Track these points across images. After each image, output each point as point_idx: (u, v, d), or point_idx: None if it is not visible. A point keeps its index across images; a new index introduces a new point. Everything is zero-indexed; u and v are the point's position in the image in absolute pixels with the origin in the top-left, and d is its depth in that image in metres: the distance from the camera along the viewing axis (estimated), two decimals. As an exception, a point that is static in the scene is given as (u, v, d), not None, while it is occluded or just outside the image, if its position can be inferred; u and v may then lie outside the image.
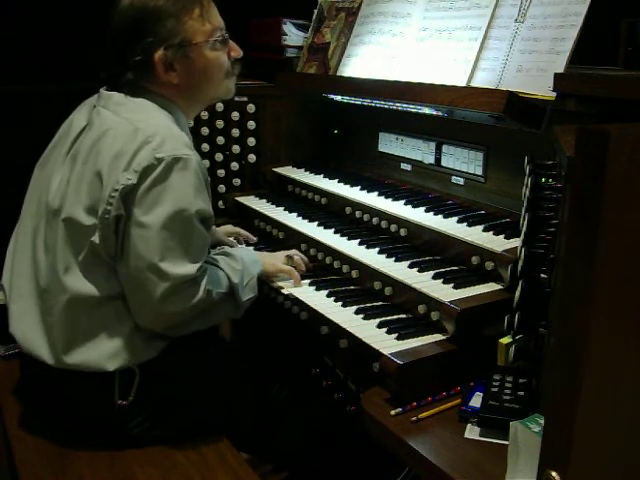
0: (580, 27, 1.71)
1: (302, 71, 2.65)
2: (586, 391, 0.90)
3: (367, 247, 2.03)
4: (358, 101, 2.36)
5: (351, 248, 2.04)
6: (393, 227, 2.07)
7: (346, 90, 2.38)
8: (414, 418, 1.45)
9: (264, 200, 2.59)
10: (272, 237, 2.41)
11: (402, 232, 2.05)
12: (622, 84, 1.51)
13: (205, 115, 2.65)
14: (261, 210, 2.48)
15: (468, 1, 2.04)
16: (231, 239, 2.29)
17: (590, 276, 0.87)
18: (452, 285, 1.72)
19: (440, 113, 2.05)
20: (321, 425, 1.98)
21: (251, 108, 2.69)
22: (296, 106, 2.77)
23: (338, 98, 2.46)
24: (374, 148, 2.55)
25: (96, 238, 1.64)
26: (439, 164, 2.26)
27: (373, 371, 1.61)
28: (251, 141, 2.72)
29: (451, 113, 2.01)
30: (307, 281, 2.02)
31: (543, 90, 1.73)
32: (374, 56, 2.33)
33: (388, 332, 1.68)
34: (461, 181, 2.19)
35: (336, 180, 2.45)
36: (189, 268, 1.66)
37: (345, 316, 1.81)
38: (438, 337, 1.64)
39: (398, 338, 1.64)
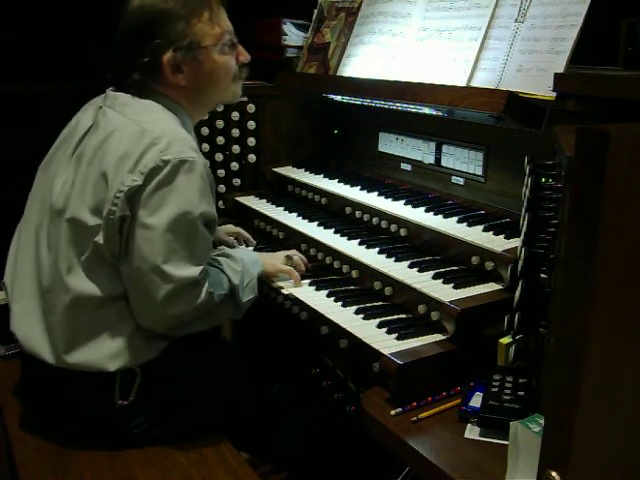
0: (580, 27, 1.71)
1: (302, 71, 2.65)
2: (586, 391, 0.90)
3: (367, 247, 2.03)
4: (358, 101, 2.36)
5: (351, 248, 2.04)
6: (393, 227, 2.07)
7: (346, 90, 2.38)
8: (414, 418, 1.45)
9: (264, 200, 2.59)
10: (272, 237, 2.40)
11: (402, 232, 2.05)
12: (622, 84, 1.51)
13: (205, 115, 2.65)
14: (261, 210, 2.48)
15: (468, 1, 2.04)
16: (231, 239, 2.29)
17: (590, 276, 0.87)
18: (452, 285, 1.72)
19: (440, 113, 2.05)
20: (321, 425, 1.98)
21: (251, 108, 2.69)
22: (296, 106, 2.77)
23: (338, 98, 2.46)
24: (374, 148, 2.55)
25: (100, 238, 1.64)
26: (439, 164, 2.26)
27: (373, 371, 1.61)
28: (251, 141, 2.72)
29: (451, 113, 2.01)
30: (307, 281, 2.02)
31: (543, 90, 1.73)
32: (374, 56, 2.33)
33: (388, 332, 1.68)
34: (461, 181, 2.19)
35: (336, 180, 2.45)
36: (192, 271, 1.66)
37: (345, 316, 1.81)
38: (438, 337, 1.64)
39: (398, 338, 1.64)
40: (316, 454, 1.95)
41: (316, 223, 2.27)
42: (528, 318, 1.45)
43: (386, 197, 2.21)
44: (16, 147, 3.30)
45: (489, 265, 1.74)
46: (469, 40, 1.99)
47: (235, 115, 2.69)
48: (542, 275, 1.44)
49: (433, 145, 2.27)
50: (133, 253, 1.64)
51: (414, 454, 1.37)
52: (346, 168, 2.63)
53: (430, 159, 2.29)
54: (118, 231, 1.64)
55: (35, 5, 3.41)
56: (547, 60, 1.76)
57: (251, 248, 2.27)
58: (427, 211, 2.05)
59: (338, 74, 2.45)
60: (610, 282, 0.89)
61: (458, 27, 2.04)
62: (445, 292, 1.70)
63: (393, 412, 1.48)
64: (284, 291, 1.99)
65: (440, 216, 2.00)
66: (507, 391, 1.45)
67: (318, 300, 1.91)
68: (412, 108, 2.11)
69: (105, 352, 1.69)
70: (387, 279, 1.87)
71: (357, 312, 1.81)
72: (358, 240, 2.07)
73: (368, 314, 1.78)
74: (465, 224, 1.92)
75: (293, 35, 2.80)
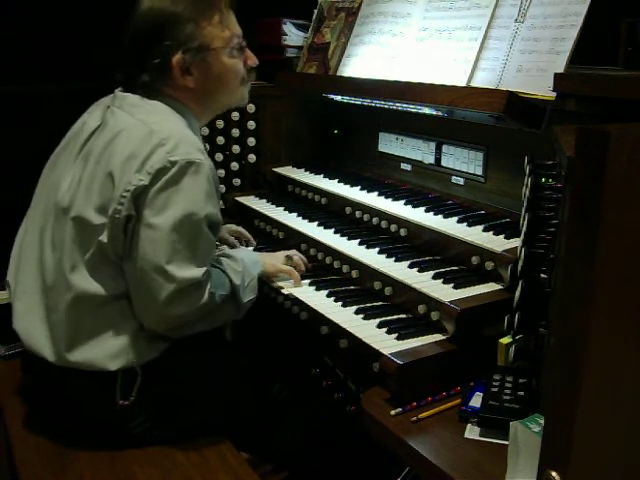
0: (580, 27, 1.71)
1: (302, 71, 2.65)
2: (586, 391, 0.90)
3: (367, 247, 2.03)
4: (358, 101, 2.36)
5: (351, 248, 2.04)
6: (393, 227, 2.07)
7: (346, 90, 2.38)
8: (414, 418, 1.45)
9: (264, 200, 2.59)
10: (272, 237, 2.40)
11: (402, 232, 2.05)
12: (622, 84, 1.51)
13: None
14: (261, 210, 2.48)
15: (468, 1, 2.04)
16: (232, 238, 2.29)
17: (590, 276, 0.87)
18: (452, 285, 1.72)
19: (440, 113, 2.05)
20: (321, 425, 1.98)
21: (251, 108, 2.69)
22: (296, 106, 2.77)
23: (338, 98, 2.46)
24: (374, 148, 2.55)
25: (104, 237, 1.64)
26: (439, 164, 2.26)
27: (373, 371, 1.61)
28: (251, 141, 2.72)
29: (451, 113, 2.01)
30: (307, 281, 2.02)
31: (543, 90, 1.73)
32: (374, 56, 2.33)
33: (388, 332, 1.68)
34: (461, 181, 2.19)
35: (336, 180, 2.45)
36: (195, 272, 1.66)
37: (345, 316, 1.81)
38: (438, 337, 1.64)
39: (398, 338, 1.64)
40: (316, 454, 1.95)
41: (316, 223, 2.27)
42: (528, 318, 1.45)
43: (386, 197, 2.21)
44: (16, 147, 3.30)
45: (489, 265, 1.74)
46: (469, 40, 1.99)
47: (235, 115, 2.69)
48: (542, 275, 1.44)
49: (433, 145, 2.27)
50: (137, 253, 1.64)
51: (414, 454, 1.37)
52: (346, 168, 2.63)
53: (430, 159, 2.29)
54: (123, 230, 1.64)
55: (35, 5, 3.41)
56: (547, 60, 1.76)
57: (251, 248, 2.27)
58: (427, 211, 2.05)
59: (338, 74, 2.45)
60: (610, 282, 0.89)
61: (458, 27, 2.04)
62: (445, 292, 1.69)
63: (393, 412, 1.48)
64: (284, 291, 1.99)
65: (440, 216, 2.00)
66: (507, 391, 1.45)
67: (318, 300, 1.91)
68: (412, 108, 2.11)
69: (106, 351, 1.69)
70: (387, 279, 1.87)
71: (357, 312, 1.81)
72: (358, 240, 2.07)
73: (368, 314, 1.78)
74: (465, 224, 1.92)
75: (293, 35, 2.80)
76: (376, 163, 2.55)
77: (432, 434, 1.42)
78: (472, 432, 1.41)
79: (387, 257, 1.94)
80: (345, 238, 2.12)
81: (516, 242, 1.64)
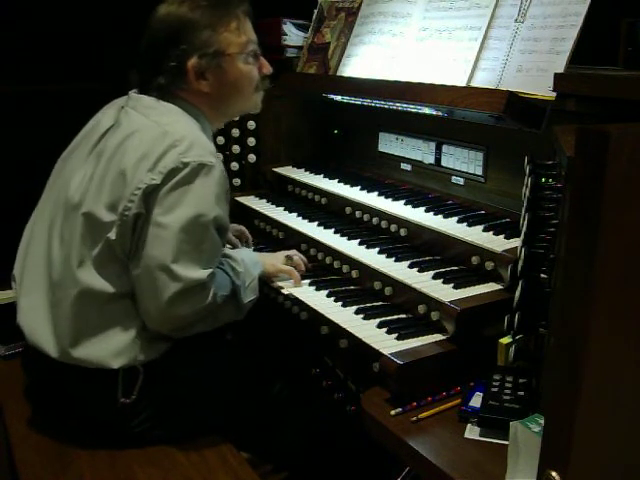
0: (580, 27, 1.71)
1: (302, 71, 2.65)
2: (586, 391, 0.90)
3: (367, 247, 2.03)
4: (358, 101, 2.36)
5: (351, 248, 2.04)
6: (393, 227, 2.07)
7: (346, 90, 2.38)
8: (414, 418, 1.45)
9: (264, 200, 2.59)
10: (272, 237, 2.41)
11: (402, 232, 2.05)
12: (622, 84, 1.51)
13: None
14: (261, 210, 2.48)
15: (468, 1, 2.04)
16: (235, 238, 2.29)
17: (590, 276, 0.87)
18: (452, 285, 1.72)
19: (440, 113, 2.05)
20: (321, 425, 1.98)
21: (251, 108, 2.69)
22: (296, 106, 2.77)
23: (338, 98, 2.46)
24: (374, 148, 2.55)
25: (112, 234, 1.66)
26: (439, 164, 2.26)
27: (373, 371, 1.61)
28: (251, 141, 2.72)
29: (451, 113, 2.01)
30: (307, 281, 2.02)
31: (543, 90, 1.73)
32: (374, 56, 2.33)
33: (388, 332, 1.68)
34: (461, 181, 2.19)
35: (336, 180, 2.45)
36: (201, 273, 1.67)
37: (345, 316, 1.81)
38: (438, 337, 1.64)
39: (398, 338, 1.64)
40: (316, 454, 1.95)
41: (316, 223, 2.27)
42: (528, 318, 1.45)
43: (386, 197, 2.21)
44: (16, 147, 3.30)
45: (489, 265, 1.74)
46: (469, 40, 1.99)
47: (235, 115, 2.69)
48: (542, 275, 1.44)
49: (433, 145, 2.27)
50: (144, 250, 1.65)
51: (414, 454, 1.37)
52: (346, 168, 2.63)
53: (430, 159, 2.29)
54: (131, 228, 1.66)
55: (35, 5, 3.41)
56: (547, 60, 1.76)
57: (251, 248, 2.27)
58: (427, 211, 2.05)
59: (338, 74, 2.45)
60: (610, 282, 0.89)
61: (458, 27, 2.04)
62: (445, 292, 1.70)
63: (393, 412, 1.48)
64: (284, 291, 1.99)
65: (440, 216, 2.00)
66: (507, 391, 1.45)
67: (318, 300, 1.92)
68: (412, 108, 2.11)
69: (109, 349, 1.70)
70: (387, 279, 1.87)
71: (357, 312, 1.81)
72: (358, 240, 2.07)
73: (368, 314, 1.78)
74: (465, 224, 1.92)
75: (293, 35, 2.79)
76: (376, 163, 2.55)
77: (432, 434, 1.42)
78: (472, 432, 1.41)
79: (387, 257, 1.94)
80: (345, 238, 2.12)
81: (516, 242, 1.64)
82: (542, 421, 1.27)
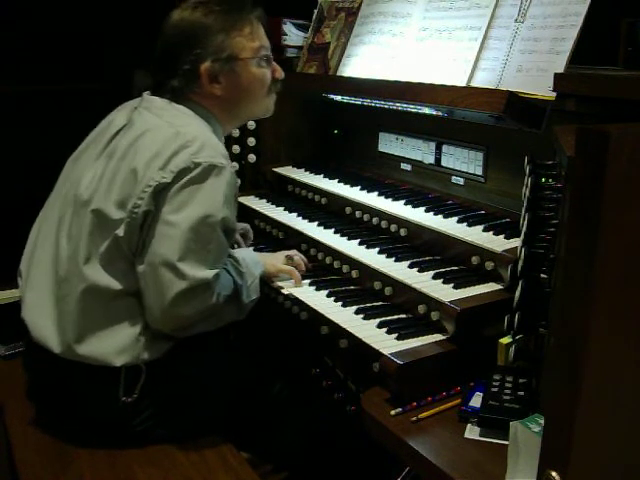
0: (580, 27, 1.71)
1: (302, 71, 2.65)
2: (586, 391, 0.90)
3: (367, 247, 2.03)
4: (358, 101, 2.36)
5: (351, 248, 2.04)
6: (393, 227, 2.07)
7: (346, 90, 2.38)
8: (414, 418, 1.45)
9: (264, 200, 2.59)
10: (272, 237, 2.41)
11: (402, 232, 2.05)
12: (622, 84, 1.51)
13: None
14: (261, 210, 2.48)
15: (468, 1, 2.04)
16: (240, 237, 2.29)
17: (590, 276, 0.87)
18: (452, 285, 1.72)
19: (440, 113, 2.05)
20: (321, 425, 1.98)
21: (251, 108, 2.69)
22: (296, 106, 2.77)
23: (338, 98, 2.46)
24: (374, 148, 2.55)
25: (120, 231, 1.67)
26: (439, 164, 2.26)
27: (373, 371, 1.61)
28: (251, 141, 2.72)
29: (451, 113, 2.01)
30: (307, 281, 2.02)
31: (543, 90, 1.73)
32: (374, 56, 2.33)
33: (388, 332, 1.68)
34: (461, 181, 2.19)
35: (336, 180, 2.45)
36: (206, 273, 1.67)
37: (345, 316, 1.81)
38: (438, 337, 1.64)
39: (398, 338, 1.64)
40: (316, 454, 1.95)
41: (316, 223, 2.27)
42: (528, 318, 1.45)
43: (386, 197, 2.21)
44: (16, 147, 3.30)
45: (489, 265, 1.74)
46: (469, 40, 1.99)
47: (235, 115, 2.68)
48: (542, 275, 1.44)
49: (433, 145, 2.27)
50: (150, 248, 1.66)
51: (414, 454, 1.37)
52: (346, 168, 2.63)
53: (430, 159, 2.29)
54: (140, 225, 1.67)
55: (35, 5, 3.41)
56: (547, 60, 1.76)
57: (251, 248, 2.27)
58: (427, 211, 2.05)
59: (338, 74, 2.45)
60: (610, 282, 0.89)
61: (458, 27, 2.04)
62: (445, 292, 1.70)
63: (393, 412, 1.48)
64: (284, 291, 1.99)
65: (440, 216, 2.00)
66: (507, 391, 1.45)
67: (318, 300, 1.92)
68: (412, 108, 2.11)
69: (112, 346, 1.70)
70: (387, 279, 1.87)
71: (357, 312, 1.81)
72: (358, 240, 2.07)
73: (368, 314, 1.78)
74: (465, 224, 1.92)
75: (293, 35, 2.79)
76: (376, 163, 2.55)
77: (432, 434, 1.42)
78: (472, 432, 1.41)
79: (387, 257, 1.94)
80: (345, 238, 2.12)
81: (516, 242, 1.64)
82: (542, 421, 1.27)
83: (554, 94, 1.68)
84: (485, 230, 1.86)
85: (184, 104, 1.82)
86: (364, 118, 2.58)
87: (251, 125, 2.70)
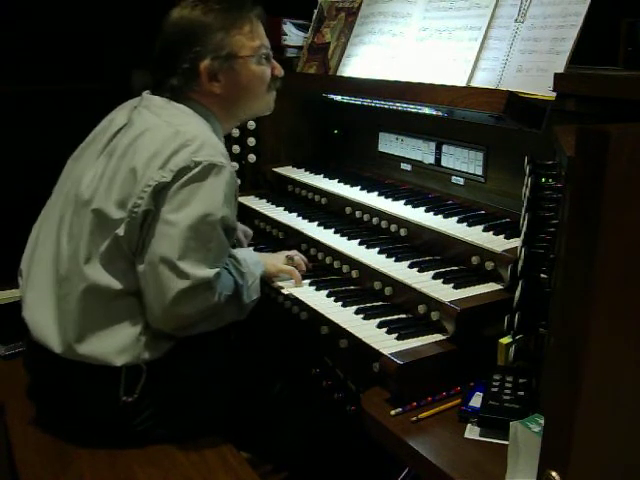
0: (580, 27, 1.71)
1: (302, 71, 2.65)
2: (586, 391, 0.90)
3: (367, 247, 2.03)
4: (358, 101, 2.36)
5: (351, 248, 2.04)
6: (393, 227, 2.07)
7: (346, 90, 2.38)
8: (414, 418, 1.45)
9: (264, 200, 2.59)
10: (272, 237, 2.41)
11: (402, 232, 2.05)
12: (622, 84, 1.51)
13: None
14: (261, 210, 2.48)
15: (468, 1, 2.04)
16: (242, 236, 2.29)
17: (590, 276, 0.87)
18: (452, 285, 1.72)
19: (440, 113, 2.05)
20: (321, 425, 1.98)
21: (251, 108, 2.69)
22: (296, 106, 2.77)
23: (338, 98, 2.46)
24: (374, 148, 2.55)
25: (121, 230, 1.67)
26: (439, 164, 2.26)
27: (373, 371, 1.61)
28: (251, 141, 2.72)
29: (451, 113, 2.01)
30: (307, 281, 2.03)
31: (543, 90, 1.73)
32: (374, 56, 2.33)
33: (388, 332, 1.68)
34: (461, 181, 2.19)
35: (336, 180, 2.45)
36: (207, 272, 1.67)
37: (345, 316, 1.81)
38: (438, 337, 1.64)
39: (398, 338, 1.64)
40: (316, 454, 1.95)
41: (316, 223, 2.27)
42: (528, 318, 1.45)
43: (386, 197, 2.21)
44: (16, 147, 3.30)
45: (489, 265, 1.74)
46: (469, 40, 1.99)
47: (235, 115, 2.68)
48: (542, 275, 1.44)
49: (433, 145, 2.27)
50: (150, 247, 1.66)
51: (414, 454, 1.37)
52: (346, 168, 2.63)
53: (430, 159, 2.29)
54: (140, 225, 1.67)
55: (35, 5, 3.41)
56: (547, 60, 1.76)
57: (251, 248, 2.27)
58: (427, 211, 2.05)
59: (338, 74, 2.45)
60: (610, 282, 0.89)
61: (458, 27, 2.04)
62: (445, 292, 1.70)
63: (393, 412, 1.48)
64: (284, 291, 2.00)
65: (440, 216, 2.00)
66: (507, 391, 1.45)
67: (318, 300, 1.92)
68: (412, 108, 2.11)
69: (113, 346, 1.70)
70: (387, 279, 1.87)
71: (357, 312, 1.81)
72: (358, 240, 2.07)
73: (368, 314, 1.78)
74: (465, 224, 1.92)
75: (293, 35, 2.80)
76: (376, 163, 2.55)
77: (432, 434, 1.42)
78: (472, 432, 1.41)
79: (387, 257, 1.94)
80: (345, 238, 2.12)
81: (516, 242, 1.64)
82: (542, 421, 1.27)
83: (554, 94, 1.68)
84: (485, 230, 1.86)
85: (184, 103, 1.82)
86: (364, 118, 2.58)
87: (251, 125, 2.70)
